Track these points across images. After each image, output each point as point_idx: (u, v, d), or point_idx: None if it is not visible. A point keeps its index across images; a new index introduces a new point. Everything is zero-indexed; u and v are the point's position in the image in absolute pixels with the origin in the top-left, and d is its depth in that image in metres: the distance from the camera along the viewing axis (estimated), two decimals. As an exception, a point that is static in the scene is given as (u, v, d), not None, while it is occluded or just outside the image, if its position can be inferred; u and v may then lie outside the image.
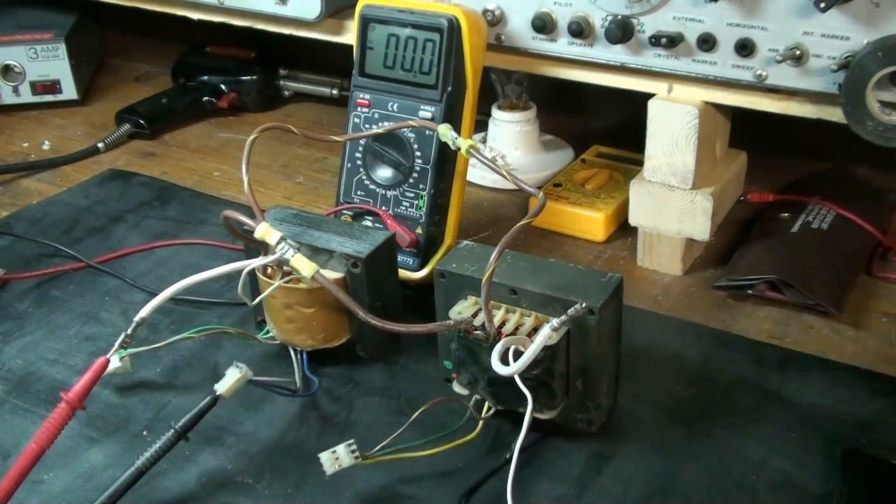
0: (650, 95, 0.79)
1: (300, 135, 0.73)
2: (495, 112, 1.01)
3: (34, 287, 0.82)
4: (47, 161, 1.07)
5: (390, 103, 0.79)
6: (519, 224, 0.59)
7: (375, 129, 0.77)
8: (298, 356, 0.69)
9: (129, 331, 0.63)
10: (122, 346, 0.64)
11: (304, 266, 0.63)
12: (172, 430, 0.60)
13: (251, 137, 0.67)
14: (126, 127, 1.12)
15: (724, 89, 0.77)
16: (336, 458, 0.58)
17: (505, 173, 0.65)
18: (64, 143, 1.12)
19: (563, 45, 0.82)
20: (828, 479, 0.60)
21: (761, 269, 0.78)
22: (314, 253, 0.68)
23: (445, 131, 0.71)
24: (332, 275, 0.67)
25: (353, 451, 0.58)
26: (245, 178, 0.66)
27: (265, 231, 0.64)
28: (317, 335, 0.69)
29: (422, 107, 0.78)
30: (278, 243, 0.64)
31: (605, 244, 0.89)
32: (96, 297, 0.81)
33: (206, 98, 1.19)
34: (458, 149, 0.70)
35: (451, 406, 0.63)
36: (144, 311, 0.62)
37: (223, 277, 0.66)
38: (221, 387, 0.61)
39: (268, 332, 0.71)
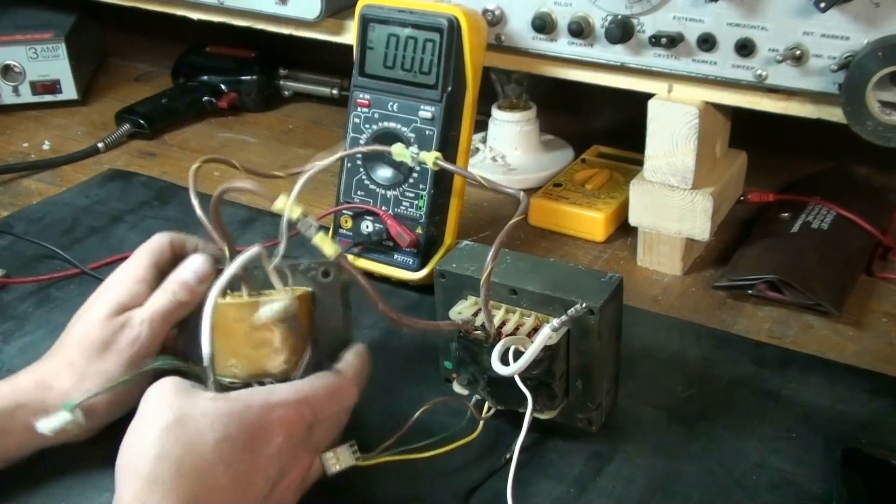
0: (650, 95, 0.79)
1: (241, 170, 0.64)
2: (495, 112, 1.01)
3: (34, 287, 0.82)
4: (47, 161, 1.07)
5: (390, 103, 0.79)
6: (510, 223, 0.58)
7: (327, 160, 0.64)
8: None
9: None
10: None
11: (328, 246, 0.55)
12: None
13: (194, 167, 0.62)
14: (126, 127, 1.12)
15: (724, 89, 0.77)
16: (336, 458, 0.58)
17: (480, 180, 0.62)
18: (64, 143, 1.12)
19: (563, 45, 0.82)
20: (828, 479, 0.60)
21: (761, 269, 0.78)
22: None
23: (401, 150, 0.65)
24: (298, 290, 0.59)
25: (353, 452, 0.58)
26: (198, 212, 0.61)
27: (284, 204, 0.55)
28: (291, 357, 0.58)
29: (422, 107, 0.78)
30: (298, 221, 0.55)
31: (605, 244, 0.89)
32: (96, 297, 0.81)
33: (206, 98, 1.19)
34: (423, 164, 0.65)
35: (451, 406, 0.63)
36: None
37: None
38: None
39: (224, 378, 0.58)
